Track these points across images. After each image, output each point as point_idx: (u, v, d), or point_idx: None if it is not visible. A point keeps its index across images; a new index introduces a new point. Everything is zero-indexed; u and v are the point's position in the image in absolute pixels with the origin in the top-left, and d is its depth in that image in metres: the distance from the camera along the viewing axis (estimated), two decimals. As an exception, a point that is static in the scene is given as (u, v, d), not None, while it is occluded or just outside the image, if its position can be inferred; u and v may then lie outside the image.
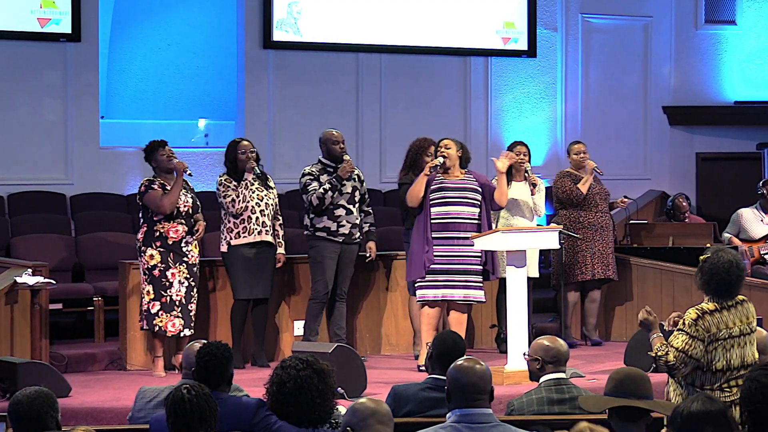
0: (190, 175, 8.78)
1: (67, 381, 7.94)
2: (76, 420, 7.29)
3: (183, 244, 8.75)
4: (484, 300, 8.77)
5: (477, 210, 8.66)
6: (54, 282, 8.64)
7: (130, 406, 5.93)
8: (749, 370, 5.23)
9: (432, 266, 8.55)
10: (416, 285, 8.69)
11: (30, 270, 8.54)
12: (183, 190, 8.78)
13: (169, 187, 8.72)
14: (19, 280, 8.42)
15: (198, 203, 8.89)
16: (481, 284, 8.67)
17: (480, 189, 8.70)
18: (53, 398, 4.48)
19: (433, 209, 8.62)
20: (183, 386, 4.39)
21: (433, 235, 8.58)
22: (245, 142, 9.12)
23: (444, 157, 8.67)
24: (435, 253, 8.54)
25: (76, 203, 11.89)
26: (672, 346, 5.38)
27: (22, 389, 4.51)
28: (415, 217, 8.80)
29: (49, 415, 4.43)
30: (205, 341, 5.67)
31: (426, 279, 8.58)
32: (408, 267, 8.87)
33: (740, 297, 5.48)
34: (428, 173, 8.62)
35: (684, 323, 5.41)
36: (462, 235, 8.55)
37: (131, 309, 9.04)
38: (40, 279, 8.49)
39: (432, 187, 8.66)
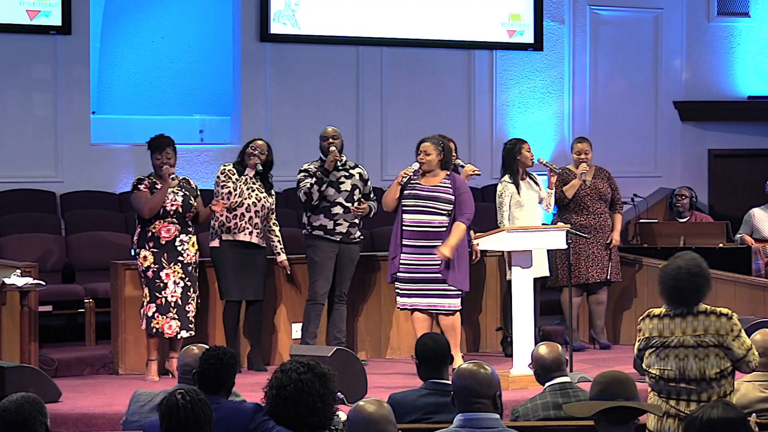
0: (165, 179, 8.71)
1: (57, 386, 7.89)
2: (66, 426, 7.36)
3: (177, 243, 8.71)
4: (458, 308, 8.67)
5: (446, 219, 8.63)
6: (43, 283, 8.61)
7: (122, 411, 5.89)
8: (696, 385, 5.22)
9: (402, 274, 8.63)
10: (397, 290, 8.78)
11: (19, 271, 8.51)
12: (176, 189, 8.77)
13: (159, 186, 8.73)
14: (7, 281, 8.38)
15: (191, 202, 8.82)
16: (456, 293, 8.61)
17: (453, 198, 8.66)
18: (41, 403, 4.35)
19: (405, 216, 8.65)
20: (177, 391, 4.32)
21: (406, 242, 8.63)
22: (260, 142, 9.15)
23: (421, 162, 8.65)
24: (406, 261, 8.61)
25: (67, 202, 11.78)
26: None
27: (8, 396, 4.40)
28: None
29: (38, 420, 4.30)
30: (201, 344, 5.70)
31: (397, 286, 8.69)
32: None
33: (705, 308, 5.33)
34: (401, 182, 8.64)
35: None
36: (431, 244, 8.57)
37: (123, 311, 9.00)
38: (29, 280, 8.47)
39: (405, 192, 8.68)
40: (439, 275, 8.55)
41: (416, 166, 8.63)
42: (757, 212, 11.40)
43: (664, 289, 5.37)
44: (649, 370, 5.35)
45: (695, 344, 5.27)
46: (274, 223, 9.15)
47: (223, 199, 8.86)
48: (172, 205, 8.69)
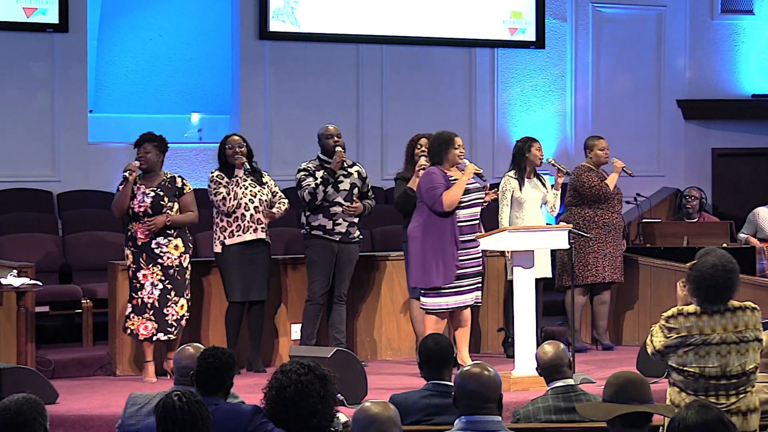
0: (125, 178, 8.66)
1: (54, 387, 7.89)
2: (64, 428, 7.37)
3: (154, 246, 8.64)
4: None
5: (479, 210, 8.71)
6: (40, 283, 8.57)
7: (119, 413, 5.84)
8: (736, 380, 5.20)
9: (457, 272, 8.50)
10: (430, 292, 8.48)
11: (15, 271, 8.49)
12: (150, 189, 8.66)
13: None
14: (3, 281, 8.36)
15: (162, 203, 8.67)
16: (481, 284, 8.70)
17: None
18: (42, 405, 4.34)
19: (461, 212, 8.51)
20: (174, 393, 4.33)
21: (460, 239, 8.50)
22: (234, 137, 9.09)
23: (463, 157, 8.66)
24: (461, 258, 8.47)
25: (64, 201, 11.75)
26: (652, 340, 5.36)
27: (10, 395, 4.38)
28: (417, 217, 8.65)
29: (38, 422, 4.28)
30: (196, 344, 5.70)
31: (449, 285, 8.47)
32: (427, 272, 8.52)
33: (737, 303, 5.31)
34: (473, 178, 8.57)
35: (662, 319, 5.36)
36: (472, 236, 8.54)
37: (121, 312, 8.94)
38: (26, 280, 8.45)
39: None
40: (480, 267, 8.58)
41: (467, 162, 8.59)
42: (762, 211, 11.39)
43: (699, 287, 5.29)
44: (685, 368, 5.27)
45: (738, 340, 5.26)
46: (280, 196, 9.04)
47: (228, 203, 8.81)
48: (139, 207, 8.62)
